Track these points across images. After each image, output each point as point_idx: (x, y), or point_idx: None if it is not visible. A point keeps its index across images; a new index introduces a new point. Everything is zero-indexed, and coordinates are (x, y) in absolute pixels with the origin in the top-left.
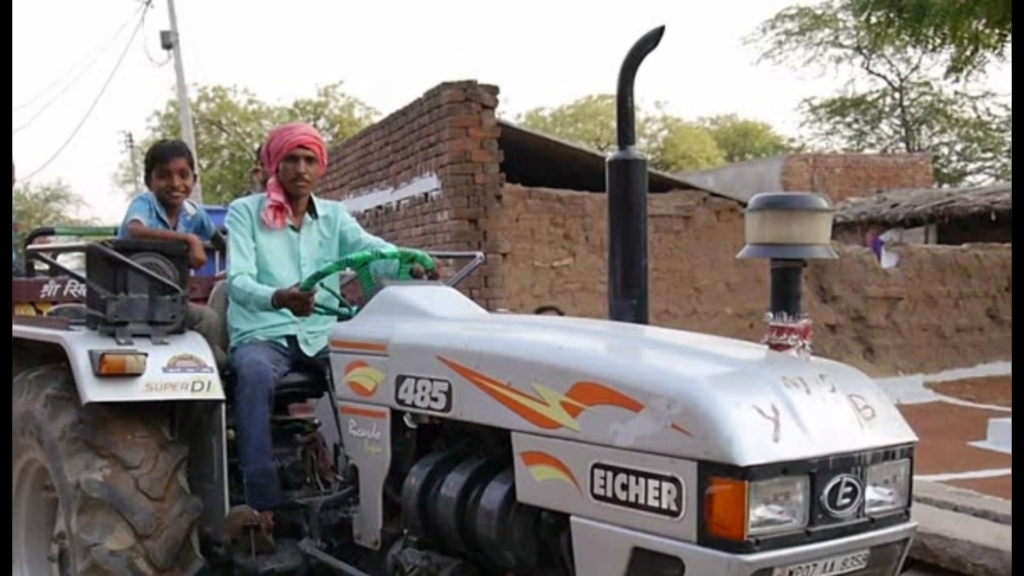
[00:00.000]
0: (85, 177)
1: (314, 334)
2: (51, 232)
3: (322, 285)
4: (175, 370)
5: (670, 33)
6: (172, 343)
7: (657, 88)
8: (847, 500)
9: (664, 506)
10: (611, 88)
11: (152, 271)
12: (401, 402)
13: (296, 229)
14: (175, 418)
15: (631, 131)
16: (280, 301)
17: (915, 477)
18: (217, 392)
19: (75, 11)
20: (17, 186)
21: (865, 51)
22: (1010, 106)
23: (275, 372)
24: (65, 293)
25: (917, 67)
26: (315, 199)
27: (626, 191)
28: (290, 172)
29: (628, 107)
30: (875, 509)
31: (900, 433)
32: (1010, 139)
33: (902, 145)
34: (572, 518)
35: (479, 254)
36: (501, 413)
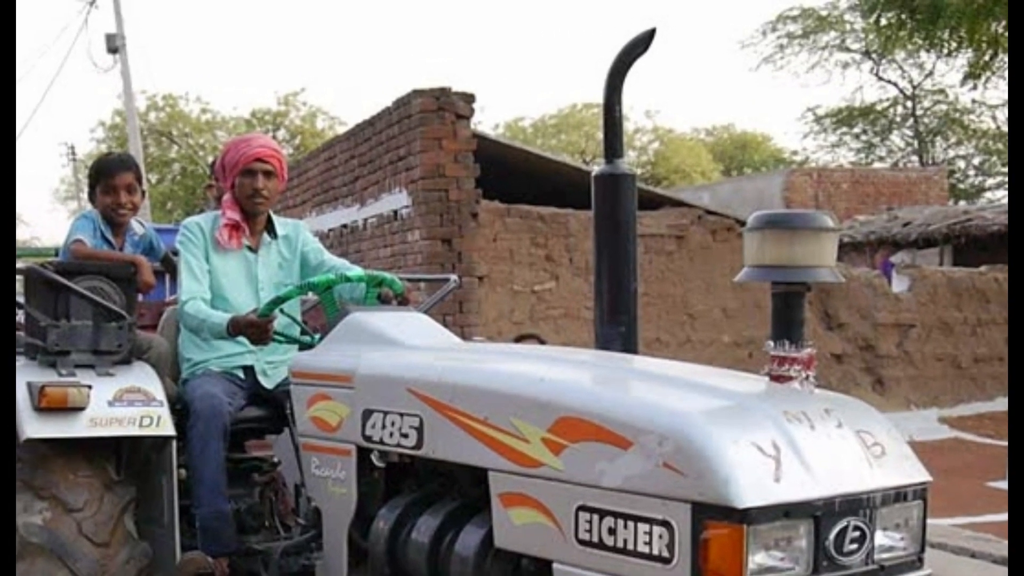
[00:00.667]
0: (24, 193)
1: (273, 364)
2: None
3: (282, 311)
4: (122, 404)
5: (661, 36)
6: (118, 374)
7: (647, 96)
8: (855, 546)
9: (655, 552)
10: (597, 96)
11: (96, 296)
12: (368, 438)
13: (253, 250)
14: (121, 456)
15: (619, 143)
16: (236, 328)
17: (929, 520)
18: (167, 428)
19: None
20: None
21: (874, 56)
22: None
23: (230, 406)
24: None
25: (931, 73)
26: (274, 217)
27: (614, 208)
28: (247, 188)
29: (616, 117)
30: (885, 555)
31: (912, 473)
32: None
33: (915, 158)
34: (555, 565)
35: (453, 277)
36: (477, 451)
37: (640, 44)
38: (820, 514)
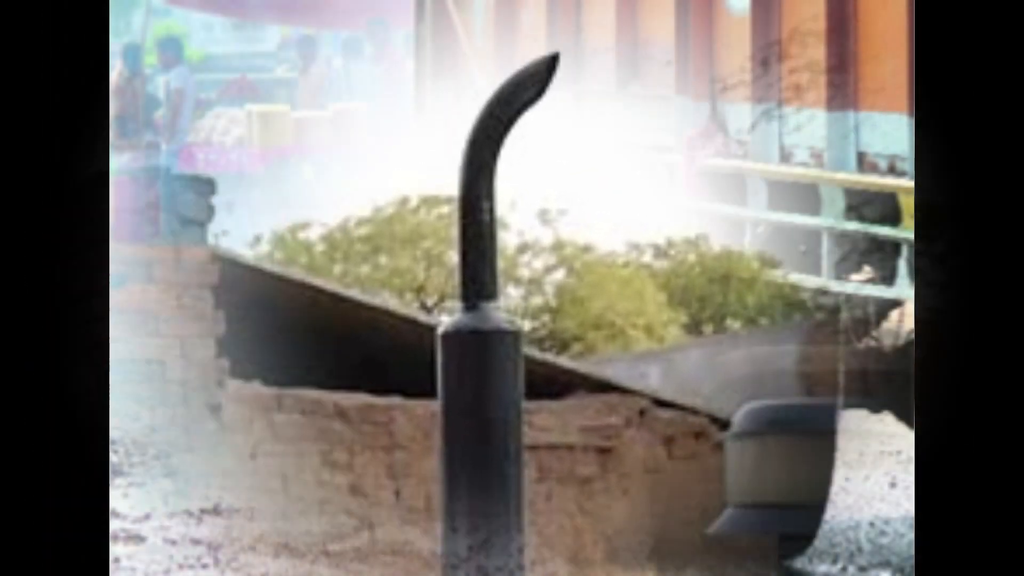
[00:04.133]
0: None
1: None
2: None
3: None
4: None
5: (566, 71)
6: None
7: (544, 186)
8: None
9: None
10: (450, 185)
11: None
12: None
13: None
14: None
15: (489, 273)
16: None
17: None
18: None
19: None
20: None
21: None
22: None
23: None
24: None
25: None
26: None
27: (480, 395)
28: None
29: (483, 222)
30: None
31: None
32: None
33: None
34: None
35: None
36: None
37: (529, 84)
38: None
